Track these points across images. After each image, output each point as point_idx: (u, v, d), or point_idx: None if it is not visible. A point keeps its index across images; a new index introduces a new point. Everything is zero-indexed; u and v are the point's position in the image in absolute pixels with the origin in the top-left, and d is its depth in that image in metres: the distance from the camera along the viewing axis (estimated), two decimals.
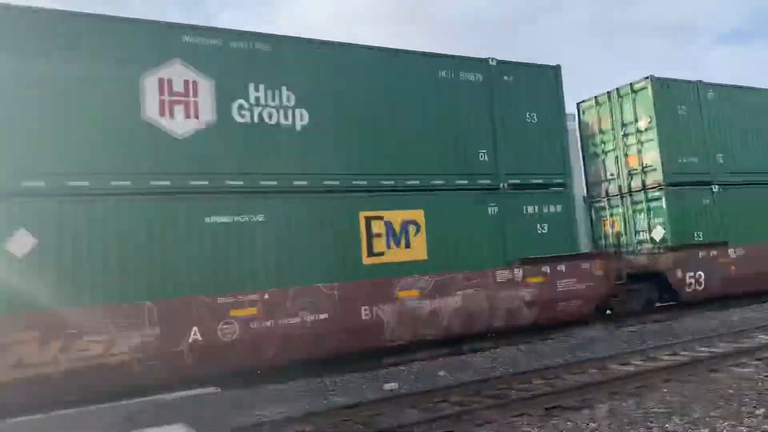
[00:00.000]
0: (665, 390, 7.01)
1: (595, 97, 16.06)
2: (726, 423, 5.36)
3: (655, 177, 14.37)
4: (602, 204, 16.05)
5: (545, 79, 12.49)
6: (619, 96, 15.38)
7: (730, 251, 14.52)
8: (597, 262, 12.41)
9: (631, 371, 8.18)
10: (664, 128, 14.29)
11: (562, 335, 12.31)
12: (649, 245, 14.52)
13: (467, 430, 6.04)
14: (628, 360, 9.00)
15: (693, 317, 13.60)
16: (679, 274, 13.64)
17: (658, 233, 14.39)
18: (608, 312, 13.45)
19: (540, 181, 12.09)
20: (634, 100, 14.94)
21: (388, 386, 8.68)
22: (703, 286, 13.97)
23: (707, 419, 5.53)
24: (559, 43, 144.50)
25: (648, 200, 14.64)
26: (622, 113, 15.35)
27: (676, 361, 8.59)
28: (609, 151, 15.76)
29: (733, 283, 14.40)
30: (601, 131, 15.93)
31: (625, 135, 15.18)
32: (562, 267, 11.84)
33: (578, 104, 16.58)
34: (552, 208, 12.10)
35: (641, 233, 14.89)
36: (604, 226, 15.99)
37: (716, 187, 14.71)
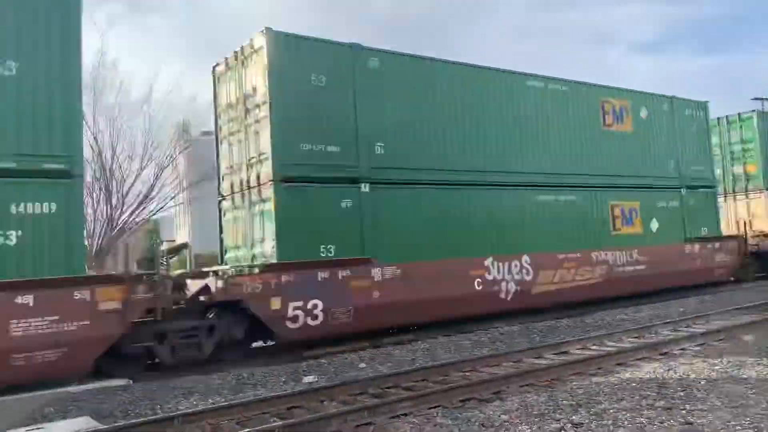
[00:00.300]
0: (575, 383, 7.27)
1: (226, 57, 12.27)
2: (628, 414, 5.62)
3: (267, 169, 10.88)
4: (228, 204, 12.49)
5: None
6: (245, 57, 11.57)
7: (375, 272, 11.22)
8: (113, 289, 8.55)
9: (544, 365, 8.44)
10: (281, 103, 10.74)
11: (482, 329, 12.60)
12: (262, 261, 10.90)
13: (383, 421, 6.07)
14: (542, 354, 9.30)
15: (604, 312, 14.20)
16: (277, 304, 10.05)
17: (268, 246, 10.85)
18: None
19: None
20: (257, 65, 11.19)
21: (307, 379, 8.64)
22: (320, 320, 10.49)
23: (611, 411, 5.78)
24: (491, 44, 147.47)
25: (262, 200, 11.12)
26: (245, 82, 11.68)
27: (585, 355, 8.94)
28: (234, 133, 12.14)
29: (376, 314, 11.19)
30: (230, 106, 12.23)
31: (248, 111, 11.55)
32: None
33: (213, 68, 12.80)
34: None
35: (258, 245, 11.30)
36: (230, 233, 12.34)
37: (366, 186, 11.47)
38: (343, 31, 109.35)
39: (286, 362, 9.94)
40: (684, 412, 5.59)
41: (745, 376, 6.85)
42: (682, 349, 9.01)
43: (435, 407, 6.53)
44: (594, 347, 9.70)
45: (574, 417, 5.66)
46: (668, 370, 7.57)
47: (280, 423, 6.07)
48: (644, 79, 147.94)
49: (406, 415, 6.32)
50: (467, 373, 8.33)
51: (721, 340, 9.54)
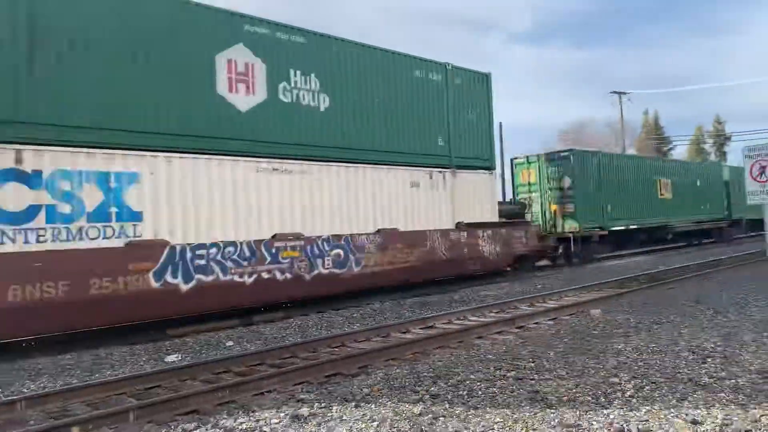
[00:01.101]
0: (437, 356, 7.55)
1: None
2: (482, 385, 5.91)
3: None
4: None
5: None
6: None
7: None
8: None
9: (411, 339, 8.70)
10: None
11: (354, 305, 12.76)
12: None
13: (245, 399, 5.99)
14: (409, 329, 9.58)
15: (471, 289, 14.86)
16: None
17: None
18: None
19: None
20: None
21: (170, 358, 8.35)
22: None
23: (467, 382, 6.05)
24: (363, 27, 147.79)
25: None
26: None
27: (449, 329, 9.30)
28: None
29: None
30: None
31: None
32: None
33: None
34: None
35: None
36: None
37: None
38: None
39: (149, 341, 9.56)
40: (533, 381, 5.96)
41: (589, 348, 7.41)
42: (536, 323, 9.61)
43: (300, 383, 6.54)
44: (458, 321, 10.13)
45: (432, 388, 5.87)
46: (522, 342, 8.05)
47: (136, 403, 5.81)
48: (523, 68, 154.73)
49: (270, 392, 6.27)
50: (336, 349, 8.41)
51: (572, 314, 10.28)
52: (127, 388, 6.58)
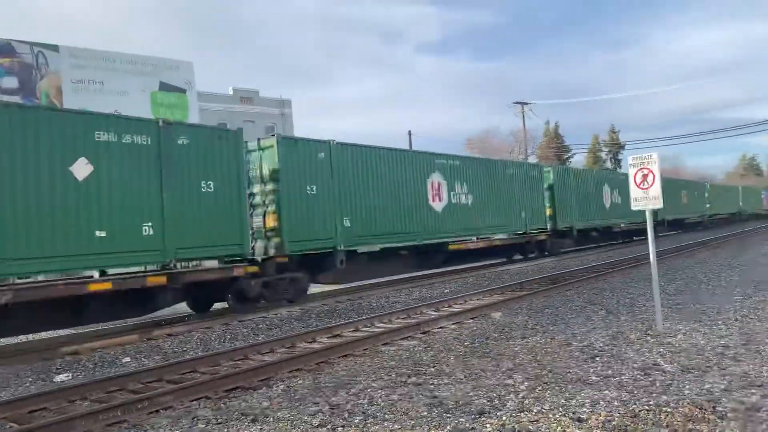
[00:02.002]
0: (341, 365, 7.54)
1: None
2: (382, 392, 5.95)
3: None
4: None
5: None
6: None
7: None
8: None
9: (316, 348, 8.62)
10: None
11: (259, 315, 12.55)
12: None
13: (138, 418, 5.75)
14: (315, 338, 9.50)
15: (381, 295, 14.96)
16: None
17: None
18: None
19: None
20: None
21: (59, 377, 7.90)
22: None
23: (368, 390, 6.07)
24: (274, 32, 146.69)
25: None
26: None
27: (355, 337, 9.31)
28: None
29: None
30: None
31: None
32: None
33: None
34: None
35: None
36: None
37: None
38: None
39: (37, 360, 9.00)
40: (432, 386, 6.06)
41: (488, 351, 7.63)
42: (440, 328, 9.79)
43: (198, 399, 6.35)
44: (365, 329, 10.15)
45: (333, 398, 5.85)
46: (425, 347, 8.18)
47: (17, 428, 5.45)
48: (431, 77, 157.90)
49: (166, 409, 6.05)
50: (238, 362, 8.22)
51: (474, 318, 10.55)
52: (8, 413, 6.15)
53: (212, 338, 10.41)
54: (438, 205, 18.81)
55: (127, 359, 8.97)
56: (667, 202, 25.67)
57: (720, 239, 30.45)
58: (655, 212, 32.15)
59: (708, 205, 45.23)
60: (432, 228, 18.46)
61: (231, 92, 45.61)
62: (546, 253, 25.20)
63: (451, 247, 19.32)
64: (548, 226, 24.71)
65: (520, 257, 24.30)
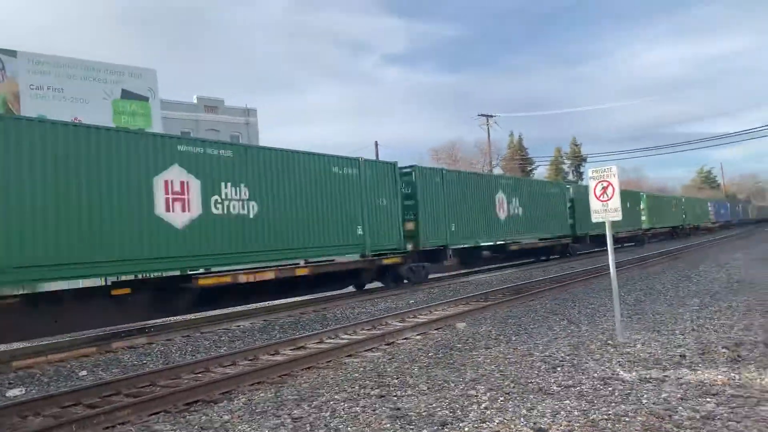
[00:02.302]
0: (304, 378, 7.47)
1: None
2: (345, 405, 5.91)
3: None
4: None
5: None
6: None
7: None
8: None
9: (279, 360, 8.53)
10: None
11: (221, 328, 12.37)
12: None
13: None
14: (278, 350, 9.40)
15: (347, 306, 14.89)
16: None
17: None
18: None
19: None
20: None
21: (12, 392, 7.65)
22: None
23: (330, 402, 6.02)
24: (240, 41, 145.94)
25: None
26: None
27: (319, 348, 9.24)
28: None
29: None
30: None
31: None
32: None
33: None
34: None
35: None
36: None
37: None
38: (77, 23, 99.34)
39: None
40: (395, 398, 6.04)
41: (451, 361, 7.65)
42: (405, 339, 9.79)
43: (157, 413, 6.22)
44: (329, 340, 10.08)
45: (295, 411, 5.78)
46: (390, 359, 8.16)
47: None
48: (397, 88, 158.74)
49: (123, 423, 5.91)
50: (199, 375, 8.09)
51: (439, 328, 10.57)
52: None
53: (173, 350, 10.22)
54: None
55: (84, 373, 8.74)
56: (587, 215, 25.05)
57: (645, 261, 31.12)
58: (572, 226, 30.44)
59: (644, 218, 39.57)
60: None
61: (195, 101, 45.09)
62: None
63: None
64: (405, 246, 19.18)
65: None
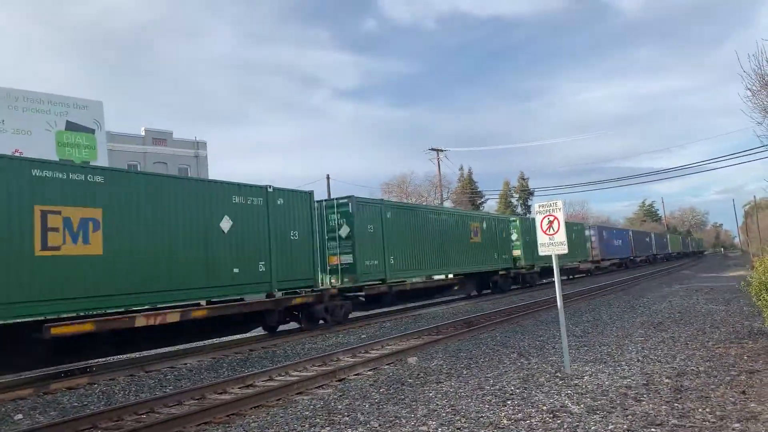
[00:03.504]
0: (253, 416, 7.31)
1: None
2: None
3: None
4: None
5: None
6: None
7: None
8: None
9: (227, 399, 8.31)
10: None
11: (166, 366, 12.01)
12: None
13: None
14: (226, 389, 9.17)
15: (293, 343, 14.68)
16: None
17: None
18: None
19: None
20: None
21: None
22: None
23: None
24: (189, 73, 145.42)
25: None
26: None
27: (269, 386, 9.05)
28: None
29: None
30: None
31: None
32: None
33: None
34: None
35: None
36: None
37: None
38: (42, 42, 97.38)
39: None
40: None
41: (403, 397, 7.61)
42: (357, 375, 9.70)
43: None
44: (279, 378, 9.89)
45: None
46: (341, 396, 8.06)
47: None
48: (348, 123, 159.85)
49: None
50: (143, 416, 7.81)
51: (391, 363, 10.52)
52: None
53: (116, 390, 9.85)
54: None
55: (20, 416, 8.32)
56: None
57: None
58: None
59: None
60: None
61: (143, 133, 44.40)
62: None
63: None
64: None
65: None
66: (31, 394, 9.79)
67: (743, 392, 6.64)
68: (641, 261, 58.51)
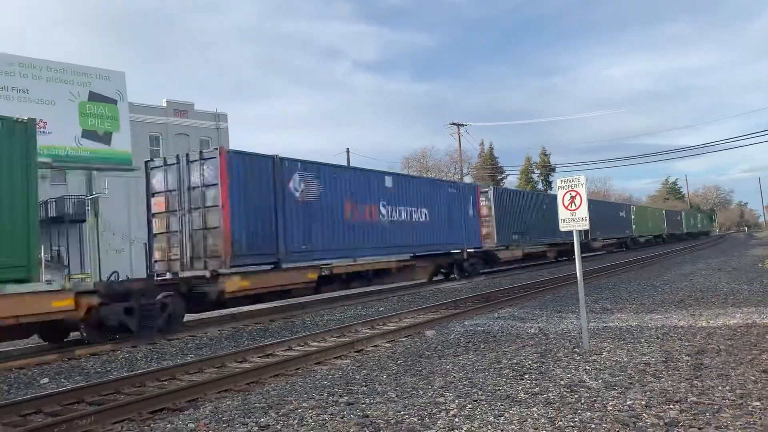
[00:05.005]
0: (272, 385, 7.40)
1: None
2: (314, 412, 5.86)
3: None
4: None
5: None
6: None
7: None
8: None
9: (246, 368, 8.44)
10: None
11: (188, 335, 12.20)
12: None
13: None
14: (246, 357, 9.30)
15: (315, 314, 14.81)
16: None
17: None
18: None
19: None
20: None
21: None
22: None
23: (299, 410, 5.97)
24: (210, 46, 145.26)
25: None
26: None
27: (288, 356, 9.17)
28: None
29: None
30: None
31: None
32: None
33: None
34: None
35: None
36: None
37: None
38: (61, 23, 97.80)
39: None
40: (364, 405, 6.01)
41: (420, 369, 7.65)
42: (375, 346, 9.77)
43: (121, 421, 6.10)
44: (298, 348, 10.01)
45: (262, 419, 5.72)
46: (359, 366, 8.13)
47: None
48: (368, 96, 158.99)
49: None
50: (164, 382, 7.95)
51: (408, 336, 10.58)
52: None
53: (138, 358, 10.05)
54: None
55: (46, 380, 8.53)
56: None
57: None
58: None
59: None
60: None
61: (165, 104, 44.56)
62: None
63: None
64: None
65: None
66: (56, 359, 10.03)
67: (764, 371, 6.57)
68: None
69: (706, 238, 79.04)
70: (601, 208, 40.58)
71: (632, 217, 50.35)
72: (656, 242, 57.20)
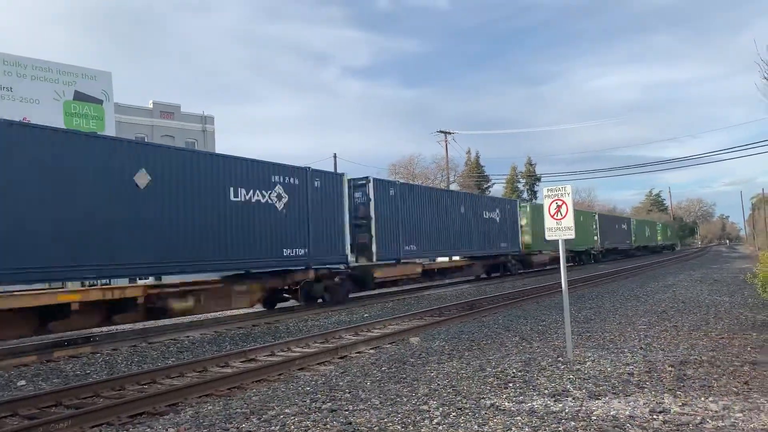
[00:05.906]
0: (254, 390, 7.32)
1: None
2: (295, 418, 5.80)
3: None
4: None
5: None
6: None
7: None
8: None
9: (228, 373, 8.34)
10: None
11: (169, 338, 12.07)
12: None
13: None
14: (228, 362, 9.21)
15: (295, 319, 14.72)
16: None
17: None
18: None
19: None
20: None
21: None
22: None
23: (281, 416, 5.90)
24: (199, 47, 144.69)
25: None
26: None
27: (271, 361, 9.08)
28: None
29: None
30: None
31: None
32: None
33: None
34: None
35: None
36: None
37: None
38: (54, 24, 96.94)
39: None
40: (347, 412, 5.96)
41: (404, 376, 7.60)
42: (359, 353, 9.71)
43: (99, 425, 6.00)
44: (281, 353, 9.93)
45: (244, 425, 5.64)
46: (342, 372, 8.07)
47: None
48: (357, 101, 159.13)
49: None
50: (145, 386, 7.84)
51: (393, 342, 10.53)
52: None
53: (119, 360, 9.90)
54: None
55: (23, 382, 8.38)
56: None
57: None
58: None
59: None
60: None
61: (151, 106, 44.25)
62: None
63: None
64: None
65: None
66: (34, 361, 9.87)
67: (746, 383, 6.61)
68: None
69: (671, 252, 75.16)
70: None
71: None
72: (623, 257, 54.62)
